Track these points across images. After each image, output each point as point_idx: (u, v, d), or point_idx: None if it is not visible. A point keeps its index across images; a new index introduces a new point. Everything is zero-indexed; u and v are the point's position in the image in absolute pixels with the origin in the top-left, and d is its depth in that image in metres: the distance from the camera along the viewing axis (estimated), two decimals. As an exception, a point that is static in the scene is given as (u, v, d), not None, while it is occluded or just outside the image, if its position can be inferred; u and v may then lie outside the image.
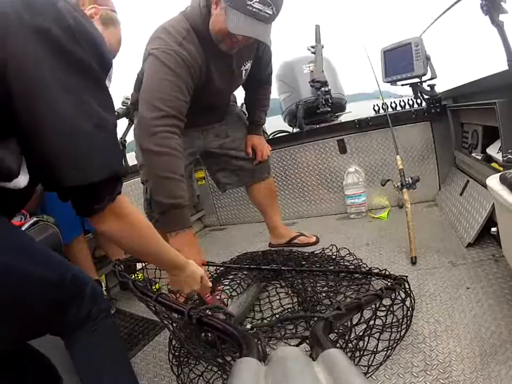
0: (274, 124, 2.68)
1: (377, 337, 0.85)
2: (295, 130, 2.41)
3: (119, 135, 2.05)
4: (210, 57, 1.25)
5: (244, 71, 1.40)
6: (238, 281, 1.31)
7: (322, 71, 2.15)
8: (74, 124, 0.57)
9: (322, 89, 2.14)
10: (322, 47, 2.21)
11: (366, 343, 0.82)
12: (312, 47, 2.21)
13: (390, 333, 0.91)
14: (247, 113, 1.73)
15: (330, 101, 2.16)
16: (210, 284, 0.99)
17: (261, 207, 1.79)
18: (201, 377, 0.93)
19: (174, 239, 1.12)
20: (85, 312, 0.73)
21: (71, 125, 0.56)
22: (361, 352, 0.82)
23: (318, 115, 2.23)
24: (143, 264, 1.40)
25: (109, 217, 0.68)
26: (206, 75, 1.26)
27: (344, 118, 2.49)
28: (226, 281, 1.37)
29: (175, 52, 1.15)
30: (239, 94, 1.71)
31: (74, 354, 0.75)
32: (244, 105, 1.75)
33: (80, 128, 0.57)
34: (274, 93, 2.56)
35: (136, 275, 1.53)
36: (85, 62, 0.58)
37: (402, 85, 1.91)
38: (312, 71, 2.22)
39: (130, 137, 2.10)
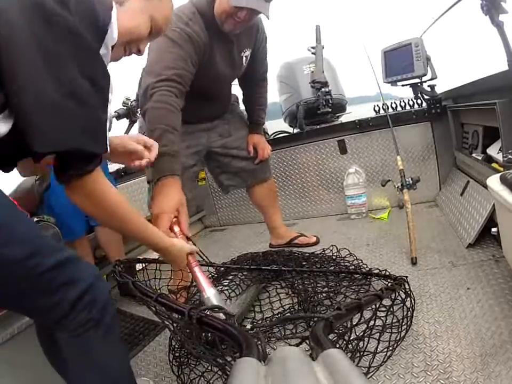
0: (275, 126, 2.68)
1: (377, 338, 0.85)
2: (295, 131, 2.41)
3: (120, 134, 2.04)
4: (214, 39, 1.29)
5: (244, 58, 1.44)
6: (238, 282, 1.31)
7: (323, 72, 2.15)
8: (42, 90, 0.55)
9: (323, 89, 2.14)
10: (323, 47, 2.22)
11: (366, 343, 0.82)
12: (313, 47, 2.21)
13: (390, 334, 0.90)
14: (246, 113, 1.74)
15: (330, 102, 2.16)
16: (196, 248, 1.01)
17: (261, 207, 1.80)
18: (201, 378, 0.93)
19: (160, 184, 1.09)
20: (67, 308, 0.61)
21: (39, 91, 0.55)
22: (361, 353, 0.82)
23: (319, 116, 2.23)
24: (143, 265, 1.40)
25: (79, 192, 0.67)
26: (209, 54, 1.29)
27: (344, 118, 2.49)
28: (226, 282, 1.37)
29: (180, 29, 1.19)
30: (240, 95, 1.73)
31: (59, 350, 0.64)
32: (244, 106, 1.76)
33: (47, 95, 0.55)
34: (275, 95, 2.56)
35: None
36: (72, 28, 0.57)
37: (402, 85, 1.91)
38: (312, 72, 2.23)
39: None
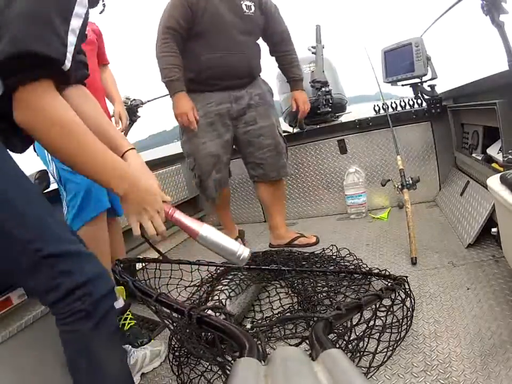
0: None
1: (377, 338, 0.85)
2: (295, 130, 2.41)
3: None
4: None
5: (244, 5, 1.59)
6: (238, 282, 1.31)
7: (323, 71, 2.15)
8: None
9: (323, 89, 2.14)
10: (323, 47, 2.22)
11: (366, 343, 0.82)
12: (313, 47, 2.21)
13: (390, 334, 0.90)
14: (283, 74, 1.82)
15: (330, 101, 2.16)
16: (168, 198, 0.83)
17: (268, 205, 1.82)
18: (201, 377, 0.93)
19: (176, 97, 1.56)
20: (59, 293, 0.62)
21: None
22: (361, 353, 0.82)
23: (319, 115, 2.23)
24: (143, 265, 1.39)
25: (26, 106, 0.59)
26: (209, 7, 1.52)
27: (344, 118, 2.49)
28: (226, 281, 1.37)
29: None
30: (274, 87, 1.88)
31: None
32: (280, 70, 1.84)
33: None
34: (275, 94, 2.56)
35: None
36: None
37: (402, 85, 1.91)
38: (312, 72, 2.22)
39: (131, 138, 2.10)
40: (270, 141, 1.69)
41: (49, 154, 1.25)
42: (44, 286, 0.63)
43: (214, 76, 1.59)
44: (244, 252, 0.78)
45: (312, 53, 2.21)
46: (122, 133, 1.61)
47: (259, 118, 1.68)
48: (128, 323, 1.26)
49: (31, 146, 0.86)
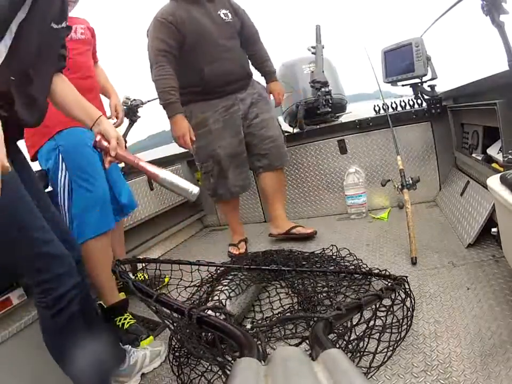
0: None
1: (377, 338, 0.85)
2: (295, 130, 2.41)
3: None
4: (190, 5, 1.65)
5: (222, 15, 1.71)
6: (238, 282, 1.31)
7: (323, 71, 2.15)
8: None
9: (323, 89, 2.14)
10: (323, 47, 2.22)
11: (366, 343, 0.82)
12: (313, 47, 2.21)
13: (390, 334, 0.90)
14: (258, 71, 1.91)
15: (330, 101, 2.16)
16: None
17: (270, 194, 1.90)
18: (201, 378, 0.93)
19: (173, 120, 1.63)
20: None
21: None
22: (361, 353, 0.82)
23: (319, 115, 2.23)
24: (143, 265, 1.40)
25: None
26: (189, 17, 1.63)
27: (344, 118, 2.49)
28: (226, 282, 1.37)
29: (156, 20, 1.63)
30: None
31: None
32: (254, 66, 1.92)
33: None
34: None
35: (135, 276, 1.52)
36: None
37: (402, 85, 1.91)
38: (312, 72, 2.22)
39: (130, 138, 2.10)
40: (272, 133, 1.82)
41: (63, 163, 1.25)
42: (25, 273, 0.81)
43: (219, 84, 1.68)
44: (194, 189, 1.00)
45: (312, 53, 2.21)
46: (119, 127, 1.62)
47: (260, 113, 1.79)
48: (128, 322, 1.28)
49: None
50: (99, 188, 1.28)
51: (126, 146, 2.09)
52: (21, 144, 0.99)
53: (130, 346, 1.13)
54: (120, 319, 1.28)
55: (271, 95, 1.91)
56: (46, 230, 0.79)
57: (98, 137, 0.92)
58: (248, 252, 1.86)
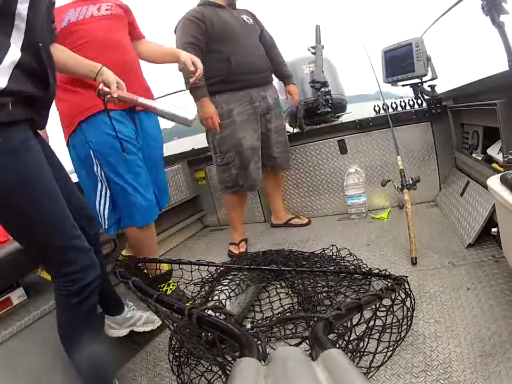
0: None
1: (377, 338, 0.85)
2: (295, 130, 2.41)
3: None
4: (217, 9, 1.78)
5: (244, 18, 1.85)
6: (238, 282, 1.31)
7: (322, 71, 2.15)
8: None
9: (322, 89, 2.14)
10: (323, 47, 2.21)
11: (366, 343, 0.82)
12: (313, 47, 2.20)
13: (390, 334, 0.90)
14: (276, 73, 2.02)
15: (330, 101, 2.16)
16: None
17: (272, 190, 2.17)
18: (201, 378, 0.93)
19: (200, 102, 1.70)
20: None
21: None
22: (361, 353, 0.82)
23: (318, 115, 2.22)
24: (143, 265, 1.39)
25: None
26: (217, 16, 1.74)
27: (344, 118, 2.49)
28: (226, 282, 1.37)
29: (187, 17, 1.74)
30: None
31: None
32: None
33: None
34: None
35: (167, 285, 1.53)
36: None
37: (403, 85, 1.91)
38: (312, 72, 2.22)
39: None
40: (282, 138, 2.00)
41: (96, 159, 1.28)
42: (52, 264, 0.84)
43: (244, 71, 1.77)
44: (189, 115, 1.07)
45: (312, 53, 2.20)
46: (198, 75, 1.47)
47: (275, 118, 1.94)
48: (170, 288, 1.48)
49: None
50: (137, 193, 1.35)
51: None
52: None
53: (132, 304, 1.26)
54: (164, 285, 1.46)
55: (290, 96, 2.05)
56: (75, 226, 0.86)
57: (101, 85, 1.04)
58: (248, 251, 1.87)
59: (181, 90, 2.14)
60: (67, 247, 0.82)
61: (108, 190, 1.33)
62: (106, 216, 1.36)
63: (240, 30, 1.79)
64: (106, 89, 1.03)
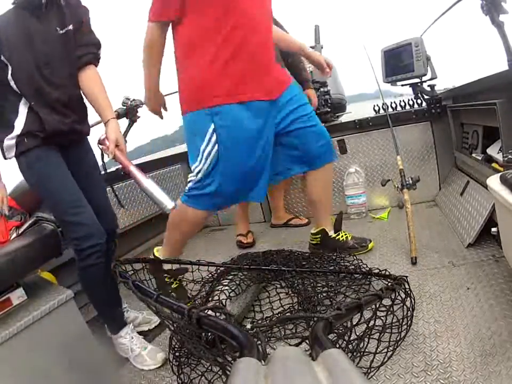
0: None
1: (377, 338, 0.85)
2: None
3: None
4: None
5: None
6: (238, 282, 1.31)
7: None
8: None
9: (322, 89, 2.14)
10: (322, 47, 2.21)
11: (366, 343, 0.82)
12: (312, 47, 2.20)
13: (390, 334, 0.90)
14: (295, 77, 1.92)
15: (329, 101, 2.16)
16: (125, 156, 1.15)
17: (273, 189, 2.16)
18: (202, 377, 0.93)
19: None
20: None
21: None
22: (361, 353, 0.82)
23: (318, 115, 2.22)
24: (143, 265, 1.39)
25: None
26: None
27: (344, 118, 2.49)
28: (226, 282, 1.37)
29: None
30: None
31: None
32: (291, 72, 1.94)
33: None
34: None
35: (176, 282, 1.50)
36: None
37: (402, 85, 1.91)
38: (311, 72, 2.22)
39: (133, 143, 2.12)
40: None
41: (218, 145, 1.22)
42: (65, 232, 1.12)
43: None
44: (169, 204, 1.11)
45: None
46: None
47: None
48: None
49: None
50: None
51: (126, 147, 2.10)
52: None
53: (127, 307, 1.31)
54: (172, 283, 1.40)
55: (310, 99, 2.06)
56: (80, 207, 1.10)
57: (103, 136, 1.12)
58: (255, 241, 2.04)
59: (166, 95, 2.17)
60: (70, 221, 1.08)
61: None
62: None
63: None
64: (106, 143, 1.10)
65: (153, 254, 1.50)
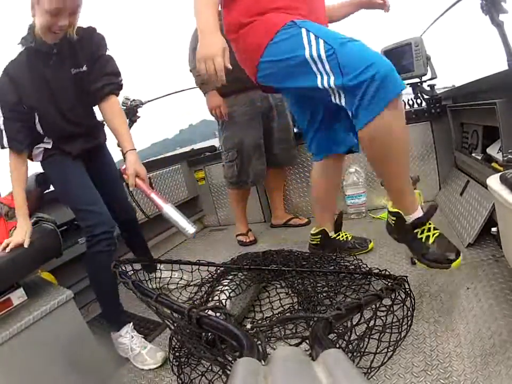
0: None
1: (377, 338, 0.85)
2: (295, 130, 2.41)
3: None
4: None
5: None
6: (238, 282, 1.31)
7: None
8: None
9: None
10: None
11: (366, 343, 0.82)
12: None
13: (390, 334, 0.90)
14: None
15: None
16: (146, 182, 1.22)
17: (271, 188, 2.23)
18: (202, 377, 0.93)
19: (207, 96, 1.85)
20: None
21: None
22: (362, 353, 0.82)
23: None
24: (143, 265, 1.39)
25: None
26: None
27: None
28: (226, 282, 1.37)
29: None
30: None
31: None
32: None
33: None
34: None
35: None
36: None
37: (402, 85, 1.91)
38: None
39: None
40: (286, 136, 2.05)
41: (314, 35, 0.99)
42: (79, 220, 1.24)
43: (244, 74, 1.75)
44: (190, 229, 1.11)
45: None
46: None
47: (278, 117, 2.00)
48: (433, 233, 1.07)
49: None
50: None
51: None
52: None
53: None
54: (423, 230, 1.08)
55: None
56: (94, 200, 1.22)
57: (124, 166, 1.20)
58: (254, 241, 2.06)
59: (163, 96, 2.21)
60: (84, 210, 1.20)
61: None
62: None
63: None
64: (127, 173, 1.18)
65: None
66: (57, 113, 1.22)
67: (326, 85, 0.98)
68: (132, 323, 1.24)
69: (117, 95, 1.28)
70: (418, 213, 1.12)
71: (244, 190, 2.07)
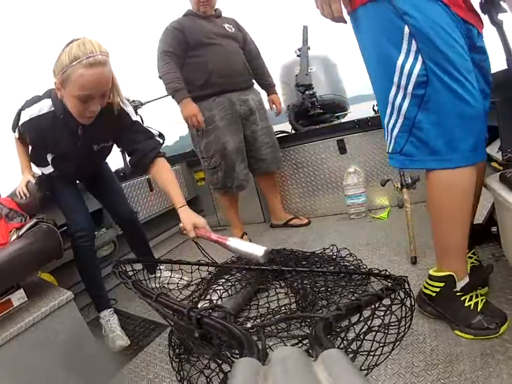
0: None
1: (377, 338, 0.85)
2: (293, 131, 2.42)
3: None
4: (197, 19, 1.87)
5: (226, 27, 1.91)
6: (237, 282, 1.31)
7: (306, 74, 2.15)
8: None
9: (307, 92, 2.14)
10: (308, 48, 2.21)
11: (366, 343, 0.82)
12: (299, 49, 2.20)
13: (390, 334, 0.90)
14: (259, 83, 2.08)
15: (317, 103, 2.15)
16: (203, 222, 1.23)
17: (267, 193, 2.18)
18: (201, 374, 0.93)
19: (183, 103, 1.78)
20: None
21: None
22: (362, 353, 0.82)
23: (310, 117, 2.23)
24: (143, 265, 1.39)
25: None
26: (194, 25, 1.84)
27: (344, 118, 2.49)
28: (221, 281, 1.37)
29: (167, 28, 1.85)
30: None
31: None
32: (256, 81, 2.06)
33: None
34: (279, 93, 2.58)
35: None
36: None
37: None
38: (296, 75, 2.22)
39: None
40: (269, 139, 2.00)
41: (415, 42, 0.79)
42: (68, 226, 1.39)
43: (223, 74, 1.81)
44: (259, 251, 1.06)
45: (298, 55, 2.20)
46: None
47: (260, 120, 1.96)
48: (481, 299, 0.92)
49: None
50: (478, 102, 0.81)
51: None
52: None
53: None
54: (471, 297, 0.93)
55: (273, 105, 2.09)
56: (81, 210, 1.42)
57: (181, 224, 1.22)
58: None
59: (163, 96, 2.24)
60: (69, 218, 1.39)
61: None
62: (394, 136, 0.89)
63: (220, 37, 1.85)
64: (187, 229, 1.20)
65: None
66: (71, 166, 1.36)
67: None
68: (112, 309, 1.41)
69: (164, 156, 1.34)
70: (467, 271, 0.97)
71: (232, 195, 2.02)
